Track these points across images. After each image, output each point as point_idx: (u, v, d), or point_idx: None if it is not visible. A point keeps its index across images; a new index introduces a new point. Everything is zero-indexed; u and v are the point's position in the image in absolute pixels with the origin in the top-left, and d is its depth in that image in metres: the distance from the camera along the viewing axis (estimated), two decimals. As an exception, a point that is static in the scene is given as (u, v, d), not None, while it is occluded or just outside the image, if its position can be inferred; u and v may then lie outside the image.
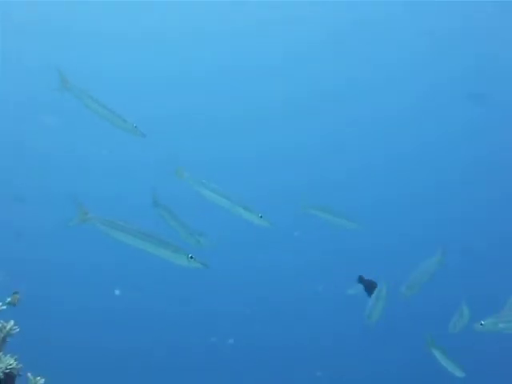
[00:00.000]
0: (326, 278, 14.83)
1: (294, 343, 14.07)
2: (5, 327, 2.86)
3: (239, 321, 14.40)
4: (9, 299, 2.97)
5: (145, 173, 15.53)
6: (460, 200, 18.37)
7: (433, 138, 20.01)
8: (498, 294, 6.32)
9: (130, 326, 14.23)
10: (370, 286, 6.40)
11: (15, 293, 2.97)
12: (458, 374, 6.67)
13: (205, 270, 4.66)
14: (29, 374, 2.86)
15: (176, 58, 20.42)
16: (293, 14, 19.72)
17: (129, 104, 19.31)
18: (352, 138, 20.09)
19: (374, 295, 6.39)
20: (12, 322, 2.89)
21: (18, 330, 2.90)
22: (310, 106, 20.35)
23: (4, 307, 2.91)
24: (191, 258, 4.56)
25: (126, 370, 12.99)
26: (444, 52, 19.99)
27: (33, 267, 14.27)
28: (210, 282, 13.03)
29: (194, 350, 14.19)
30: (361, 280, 6.55)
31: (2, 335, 2.84)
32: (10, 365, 2.72)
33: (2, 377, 2.68)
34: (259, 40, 20.27)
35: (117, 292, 14.00)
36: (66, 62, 18.23)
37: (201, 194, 5.48)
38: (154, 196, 6.85)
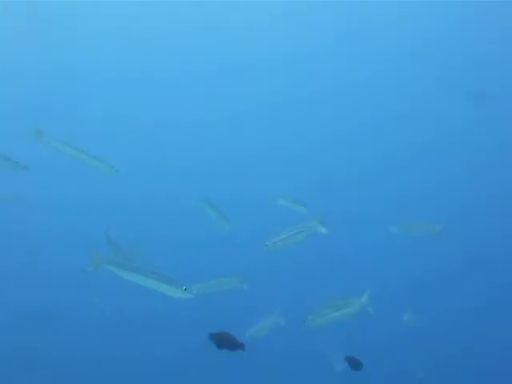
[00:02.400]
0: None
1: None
2: None
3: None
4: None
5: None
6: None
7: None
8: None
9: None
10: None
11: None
12: None
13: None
14: None
15: (176, 54, 20.13)
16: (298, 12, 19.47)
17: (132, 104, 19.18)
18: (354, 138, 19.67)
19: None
20: None
21: None
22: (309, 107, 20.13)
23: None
24: (185, 289, 5.14)
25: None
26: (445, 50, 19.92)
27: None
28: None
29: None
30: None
31: None
32: None
33: None
34: (259, 38, 20.11)
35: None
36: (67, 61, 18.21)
37: None
38: (108, 236, 7.35)
